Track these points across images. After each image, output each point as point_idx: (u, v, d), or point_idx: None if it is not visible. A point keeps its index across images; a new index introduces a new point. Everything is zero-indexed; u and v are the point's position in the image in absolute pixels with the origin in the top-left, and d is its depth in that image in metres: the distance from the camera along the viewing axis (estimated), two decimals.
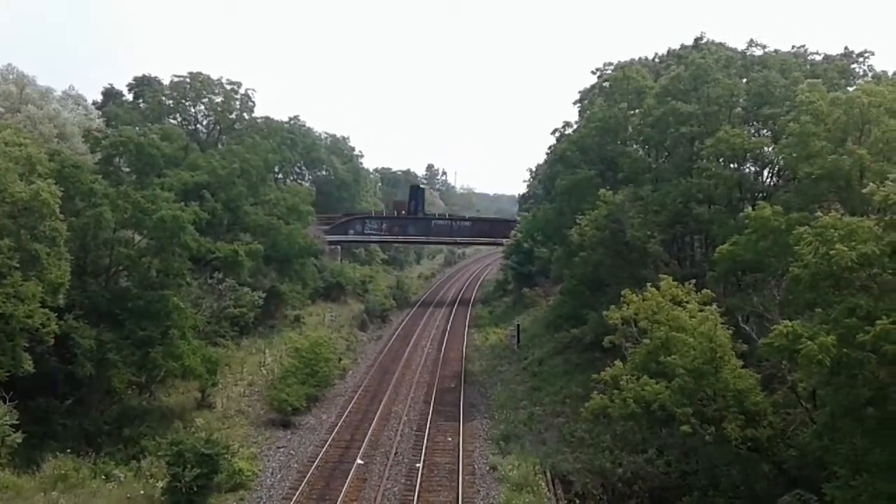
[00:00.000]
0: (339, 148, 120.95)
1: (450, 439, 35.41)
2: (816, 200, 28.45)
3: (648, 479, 28.07)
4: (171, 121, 72.31)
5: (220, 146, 69.55)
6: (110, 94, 77.24)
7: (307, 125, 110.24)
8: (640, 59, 60.05)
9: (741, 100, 39.49)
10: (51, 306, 29.71)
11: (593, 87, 57.85)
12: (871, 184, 21.81)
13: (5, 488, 25.34)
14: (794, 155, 30.68)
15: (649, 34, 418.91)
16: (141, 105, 73.23)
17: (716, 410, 24.11)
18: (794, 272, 21.59)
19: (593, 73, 56.99)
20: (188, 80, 72.84)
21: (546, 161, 71.31)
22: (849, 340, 18.87)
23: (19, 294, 28.19)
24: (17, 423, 27.19)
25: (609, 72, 54.66)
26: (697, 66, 40.05)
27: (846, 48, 45.83)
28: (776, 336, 20.30)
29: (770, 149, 35.95)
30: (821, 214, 21.78)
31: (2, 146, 31.55)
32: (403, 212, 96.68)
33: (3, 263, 28.30)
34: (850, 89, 35.34)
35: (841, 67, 43.49)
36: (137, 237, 37.84)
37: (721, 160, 37.09)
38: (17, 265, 28.68)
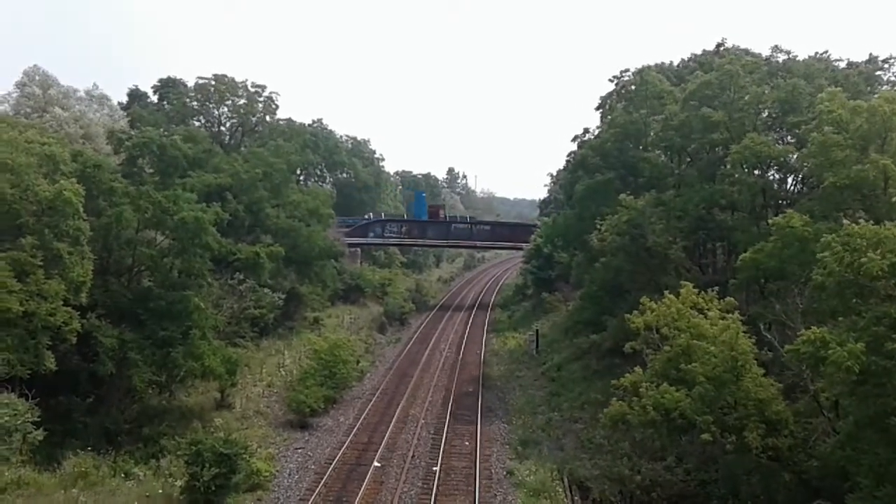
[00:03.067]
0: (361, 151, 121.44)
1: (467, 443, 35.32)
2: (840, 208, 28.18)
3: (667, 487, 27.85)
4: (195, 122, 72.92)
5: (242, 148, 70.03)
6: (135, 96, 78.02)
7: (329, 128, 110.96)
8: (657, 64, 59.86)
9: (767, 106, 39.13)
10: (73, 305, 30.01)
11: (612, 92, 57.73)
12: None
13: (26, 485, 25.51)
14: (814, 162, 30.46)
15: (670, 39, 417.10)
16: (165, 107, 73.91)
17: (736, 419, 23.89)
18: (818, 280, 21.38)
19: (610, 80, 56.97)
20: (212, 82, 73.44)
21: (566, 167, 71.25)
22: (876, 349, 18.66)
23: (42, 292, 28.50)
24: (39, 420, 27.39)
25: (626, 78, 54.54)
26: (725, 71, 39.73)
27: (871, 54, 45.52)
28: (803, 343, 20.09)
29: (794, 156, 35.65)
30: (847, 222, 21.54)
31: (25, 145, 31.95)
32: None
33: (26, 261, 28.62)
34: (875, 96, 35.01)
35: (866, 74, 43.12)
36: (160, 237, 38.11)
37: (745, 167, 36.79)
38: (41, 264, 28.99)
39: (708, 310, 27.21)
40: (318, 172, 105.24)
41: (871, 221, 21.55)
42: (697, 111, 39.06)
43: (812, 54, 47.89)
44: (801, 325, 24.13)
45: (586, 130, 63.67)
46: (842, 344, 18.87)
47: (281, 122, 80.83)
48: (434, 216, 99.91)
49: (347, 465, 31.85)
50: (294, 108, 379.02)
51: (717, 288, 28.86)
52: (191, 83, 75.40)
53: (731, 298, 27.89)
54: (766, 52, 48.73)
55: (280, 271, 56.38)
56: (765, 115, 39.68)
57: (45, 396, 29.41)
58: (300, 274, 61.57)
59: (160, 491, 27.19)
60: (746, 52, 51.04)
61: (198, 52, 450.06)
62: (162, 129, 53.28)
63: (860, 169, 26.85)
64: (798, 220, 26.44)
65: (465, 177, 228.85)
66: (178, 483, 27.24)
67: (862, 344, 18.74)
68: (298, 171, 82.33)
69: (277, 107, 76.82)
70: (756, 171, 37.30)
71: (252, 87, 74.64)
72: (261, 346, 50.70)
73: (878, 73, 44.44)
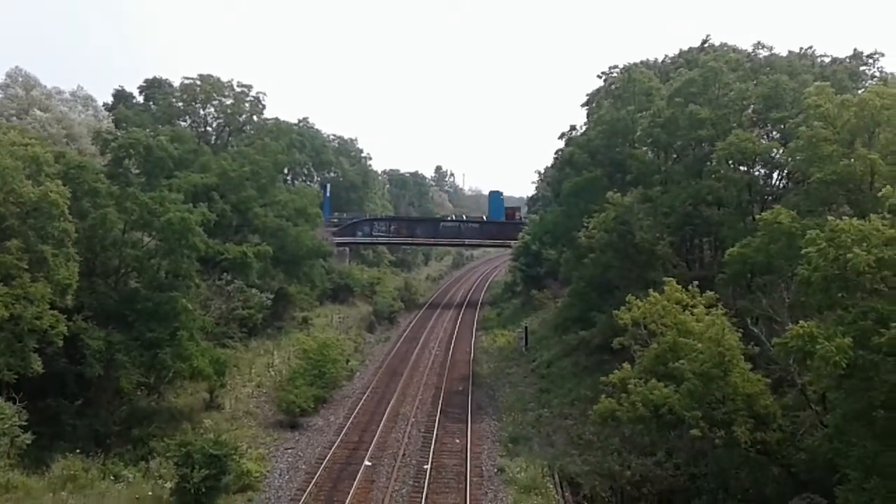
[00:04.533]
0: (348, 150, 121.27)
1: (458, 441, 35.37)
2: (826, 203, 28.36)
3: (657, 482, 27.92)
4: (182, 123, 72.50)
5: (229, 148, 69.74)
6: (121, 96, 77.41)
7: (316, 127, 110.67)
8: (644, 61, 60.08)
9: (752, 102, 39.31)
10: (60, 307, 29.82)
11: (599, 89, 57.84)
12: (887, 186, 21.73)
13: (15, 488, 25.40)
14: (801, 158, 30.60)
15: (657, 35, 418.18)
16: (151, 107, 73.46)
17: (725, 414, 24.00)
18: (803, 275, 21.51)
19: (599, 76, 57.15)
20: (198, 82, 72.96)
21: (554, 164, 71.39)
22: (863, 343, 18.80)
23: (28, 295, 28.30)
24: (27, 423, 27.26)
25: (614, 75, 54.67)
26: (708, 68, 39.91)
27: (855, 50, 45.66)
28: (791, 337, 20.20)
29: (780, 152, 35.83)
30: (832, 218, 21.66)
31: (8, 147, 31.71)
32: None
33: (11, 264, 28.42)
34: (859, 92, 35.18)
35: (850, 69, 43.30)
36: (146, 238, 37.93)
37: (731, 163, 36.97)
38: (26, 266, 28.78)
39: (693, 306, 27.35)
40: (306, 172, 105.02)
41: (857, 215, 21.70)
42: (683, 108, 39.19)
43: (796, 50, 48.08)
44: (788, 319, 24.30)
45: (573, 128, 63.92)
46: (829, 338, 18.98)
47: (268, 122, 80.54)
48: (511, 217, 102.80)
49: (338, 465, 31.85)
50: (279, 106, 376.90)
51: (697, 283, 29.02)
52: (177, 83, 75.08)
53: (712, 293, 28.08)
54: (749, 49, 48.92)
55: (268, 271, 56.23)
56: (749, 111, 39.85)
57: (33, 399, 29.23)
58: (288, 274, 61.42)
59: (150, 493, 27.12)
60: (732, 48, 51.21)
61: (183, 49, 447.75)
62: (148, 130, 52.97)
63: (847, 164, 26.99)
64: (786, 216, 26.58)
65: (452, 175, 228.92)
66: (168, 485, 27.19)
67: (849, 338, 18.86)
68: (286, 171, 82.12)
69: (264, 106, 76.51)
70: (742, 167, 37.49)
71: (238, 86, 74.25)
72: (249, 347, 50.58)
73: (863, 68, 44.59)
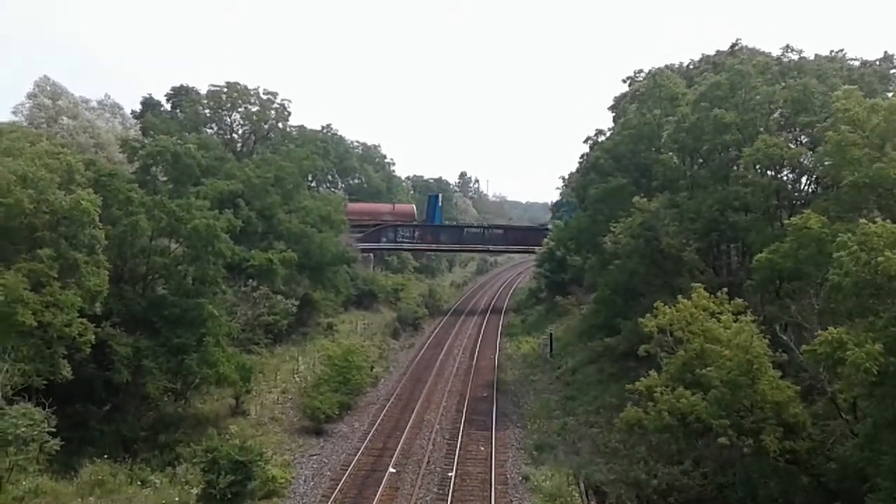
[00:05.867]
0: (371, 156, 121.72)
1: (482, 448, 35.23)
2: (856, 208, 27.92)
3: (684, 491, 27.59)
4: (208, 130, 73.23)
5: (254, 155, 70.28)
6: (149, 104, 78.48)
7: (339, 133, 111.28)
8: (669, 65, 59.60)
9: (779, 106, 38.81)
10: (88, 314, 30.12)
11: (625, 94, 57.48)
12: None
13: (44, 493, 25.63)
14: (829, 163, 30.19)
15: (682, 41, 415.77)
16: (178, 115, 74.26)
17: (753, 422, 23.70)
18: (834, 280, 21.22)
19: (624, 81, 56.81)
20: (224, 89, 73.73)
21: (579, 169, 71.01)
22: (894, 350, 18.50)
23: (58, 303, 28.61)
24: (56, 429, 27.47)
25: (640, 79, 54.31)
26: (735, 71, 39.46)
27: (885, 52, 45.02)
28: (820, 344, 19.92)
29: (810, 156, 35.35)
30: (865, 221, 21.35)
31: (44, 157, 32.12)
32: None
33: (41, 272, 28.75)
34: (889, 95, 34.69)
35: (880, 73, 42.70)
36: (173, 245, 38.28)
37: (758, 167, 36.55)
38: (56, 275, 29.11)
39: (720, 313, 27.04)
40: (330, 178, 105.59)
41: (889, 220, 21.37)
42: (709, 113, 38.81)
43: (826, 53, 47.43)
44: (818, 326, 23.94)
45: (599, 132, 63.44)
46: (859, 345, 18.71)
47: (293, 129, 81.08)
48: None
49: (363, 472, 31.83)
50: (303, 113, 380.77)
51: (726, 289, 28.68)
52: (203, 91, 75.88)
53: (740, 300, 27.72)
54: (777, 52, 48.40)
55: (293, 277, 56.55)
56: (776, 115, 39.35)
57: (62, 405, 29.43)
58: (313, 280, 61.71)
59: (177, 499, 27.27)
60: (760, 52, 50.63)
61: (205, 58, 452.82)
62: (175, 137, 53.54)
63: (879, 167, 26.57)
64: (816, 221, 26.20)
65: (477, 181, 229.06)
66: (195, 490, 27.34)
67: (880, 345, 18.58)
68: (310, 178, 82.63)
69: (290, 113, 77.16)
70: (769, 172, 37.05)
71: (264, 93, 74.96)
72: (275, 353, 50.84)
73: (893, 71, 43.98)
